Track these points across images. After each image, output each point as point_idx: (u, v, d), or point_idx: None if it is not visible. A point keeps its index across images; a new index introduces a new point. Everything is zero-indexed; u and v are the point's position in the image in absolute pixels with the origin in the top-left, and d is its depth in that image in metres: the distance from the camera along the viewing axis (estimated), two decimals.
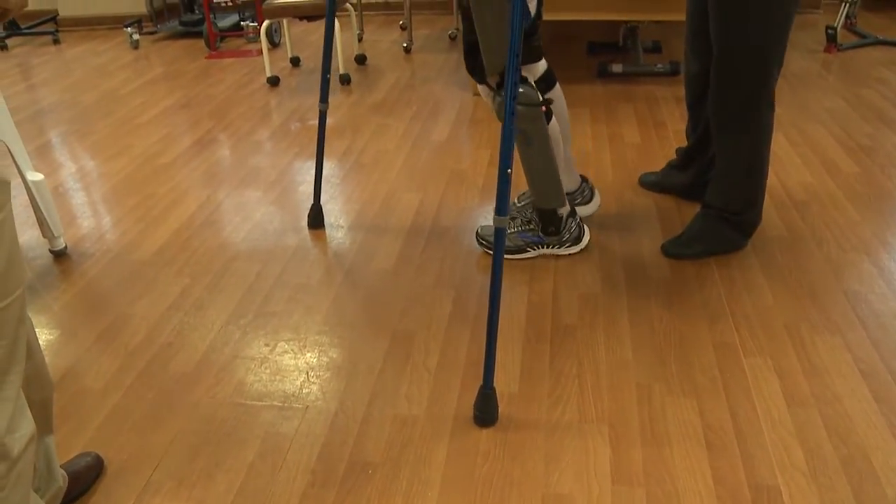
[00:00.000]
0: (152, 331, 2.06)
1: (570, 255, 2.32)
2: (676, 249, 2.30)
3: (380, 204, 2.74)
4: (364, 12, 5.00)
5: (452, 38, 4.73)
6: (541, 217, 2.27)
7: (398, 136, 3.34)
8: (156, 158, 3.27)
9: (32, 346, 1.25)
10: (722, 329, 1.93)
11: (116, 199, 2.91)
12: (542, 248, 2.32)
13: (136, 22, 5.47)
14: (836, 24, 4.36)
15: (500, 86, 2.01)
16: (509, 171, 1.64)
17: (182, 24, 5.42)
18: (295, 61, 4.43)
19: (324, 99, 2.44)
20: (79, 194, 2.98)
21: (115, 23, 5.77)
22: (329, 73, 2.42)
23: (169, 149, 3.37)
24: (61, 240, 2.52)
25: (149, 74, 4.58)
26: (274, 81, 4.14)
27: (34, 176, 2.37)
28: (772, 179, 2.76)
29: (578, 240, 2.34)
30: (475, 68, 2.09)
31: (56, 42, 5.52)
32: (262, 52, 4.10)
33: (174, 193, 2.92)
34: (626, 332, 1.95)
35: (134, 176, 3.11)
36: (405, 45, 4.69)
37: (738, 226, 2.28)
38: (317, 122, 3.54)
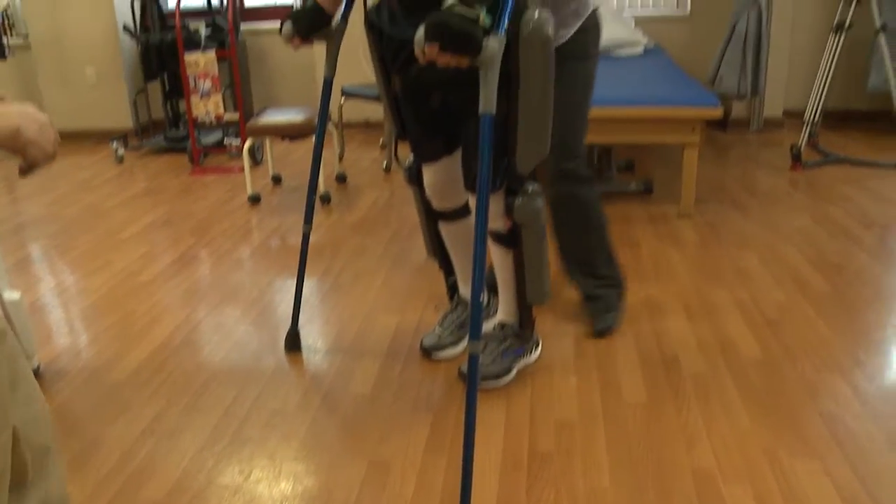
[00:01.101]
0: (125, 456, 2.03)
1: (547, 379, 2.33)
2: (600, 326, 2.57)
3: (358, 326, 2.75)
4: (345, 130, 5.14)
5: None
6: (522, 319, 2.31)
7: (377, 256, 3.38)
8: (136, 275, 3.29)
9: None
10: (700, 453, 1.93)
11: (94, 316, 2.91)
12: (523, 357, 2.35)
13: (122, 137, 5.59)
14: (799, 144, 4.54)
15: (516, 183, 2.06)
16: (482, 298, 1.67)
17: (167, 139, 5.53)
18: (276, 179, 4.52)
19: (308, 220, 2.48)
20: (56, 311, 2.98)
21: (101, 137, 5.88)
22: (315, 193, 2.47)
23: (149, 266, 3.39)
24: (35, 360, 2.50)
25: (132, 189, 4.65)
26: (255, 199, 4.21)
27: (11, 294, 2.38)
28: (744, 298, 2.81)
29: (538, 342, 2.44)
30: (469, 178, 2.10)
31: None
32: (244, 170, 4.18)
33: (153, 312, 2.92)
34: (603, 457, 1.94)
35: (113, 293, 3.11)
36: (385, 164, 4.81)
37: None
38: (298, 241, 3.59)
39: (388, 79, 2.17)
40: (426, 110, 2.14)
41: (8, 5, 5.72)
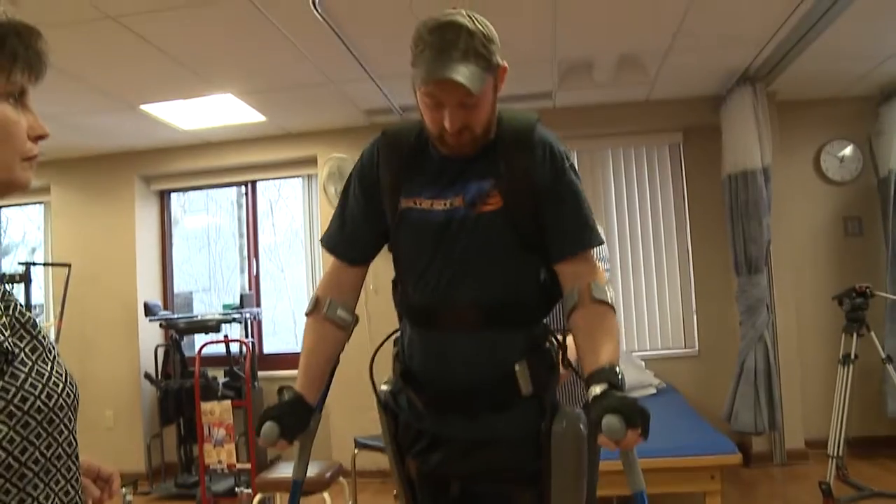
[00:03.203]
0: None
1: None
2: None
3: None
4: (358, 479, 5.00)
5: None
6: None
7: None
8: None
9: None
10: None
11: None
12: None
13: (133, 482, 5.48)
14: (828, 479, 4.36)
15: None
16: None
17: (177, 485, 5.43)
18: None
19: None
20: None
21: None
22: None
23: None
24: None
25: None
26: None
27: None
28: None
29: None
30: None
31: None
32: None
33: None
34: None
35: None
36: None
37: None
38: None
39: (403, 461, 1.99)
40: (444, 499, 1.96)
41: None
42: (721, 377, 5.43)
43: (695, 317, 5.84)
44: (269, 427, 1.80)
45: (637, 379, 5.00)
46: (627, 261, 5.91)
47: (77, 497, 1.13)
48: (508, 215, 1.77)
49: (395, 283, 1.97)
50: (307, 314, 1.98)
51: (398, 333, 2.00)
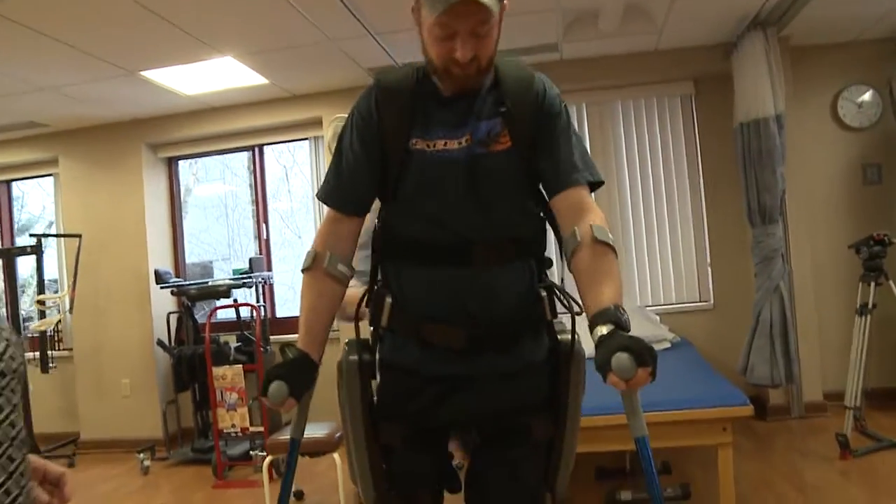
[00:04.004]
0: None
1: None
2: None
3: None
4: None
5: None
6: None
7: None
8: None
9: None
10: None
11: None
12: None
13: (150, 448, 5.54)
14: (845, 431, 4.30)
15: None
16: None
17: (194, 450, 5.48)
18: (298, 495, 4.35)
19: None
20: None
21: (131, 446, 5.84)
22: None
23: None
24: None
25: None
26: None
27: None
28: None
29: None
30: None
31: (71, 465, 5.57)
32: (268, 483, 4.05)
33: None
34: None
35: None
36: None
37: None
38: None
39: (374, 431, 1.86)
40: (433, 458, 1.90)
41: (59, 320, 6.01)
42: (736, 330, 5.36)
43: (709, 269, 5.76)
44: (277, 386, 1.77)
45: (651, 333, 4.93)
46: (640, 214, 5.83)
47: (21, 498, 0.90)
48: (518, 154, 1.80)
49: (384, 225, 1.90)
50: (304, 270, 1.91)
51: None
